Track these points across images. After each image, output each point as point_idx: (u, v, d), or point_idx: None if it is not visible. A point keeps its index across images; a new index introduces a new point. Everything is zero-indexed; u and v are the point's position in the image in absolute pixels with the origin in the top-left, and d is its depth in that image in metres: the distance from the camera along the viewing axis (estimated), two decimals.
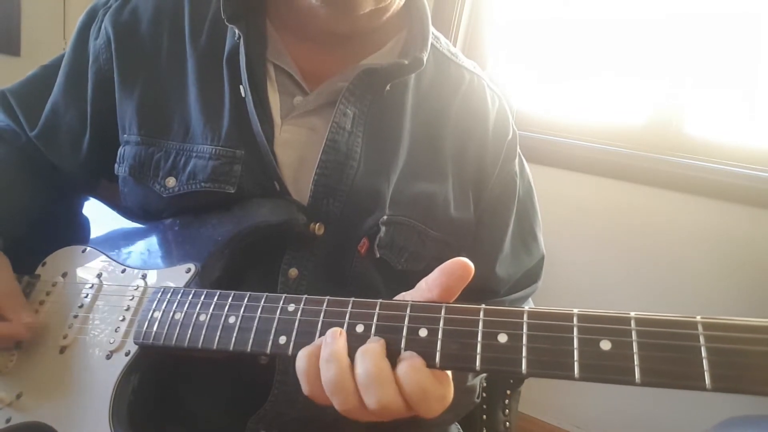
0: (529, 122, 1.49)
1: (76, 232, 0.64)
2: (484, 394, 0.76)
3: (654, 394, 1.39)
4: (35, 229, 0.65)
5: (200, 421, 0.56)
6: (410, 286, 0.59)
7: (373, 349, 0.38)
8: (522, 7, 1.53)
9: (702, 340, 0.32)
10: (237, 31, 0.55)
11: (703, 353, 0.31)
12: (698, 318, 0.32)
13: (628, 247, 1.39)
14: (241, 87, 0.56)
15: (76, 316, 0.55)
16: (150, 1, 0.61)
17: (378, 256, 0.56)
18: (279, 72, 0.58)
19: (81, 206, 0.67)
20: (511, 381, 0.78)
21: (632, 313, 0.34)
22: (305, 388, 0.39)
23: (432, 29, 0.65)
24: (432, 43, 0.64)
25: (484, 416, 0.74)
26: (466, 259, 0.39)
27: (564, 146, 1.44)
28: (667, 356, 0.32)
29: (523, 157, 0.70)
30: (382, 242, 0.56)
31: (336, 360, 0.38)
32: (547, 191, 1.44)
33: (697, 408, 1.32)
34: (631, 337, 0.33)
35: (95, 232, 0.64)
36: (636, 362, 0.32)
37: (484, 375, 0.57)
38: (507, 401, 0.76)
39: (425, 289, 0.40)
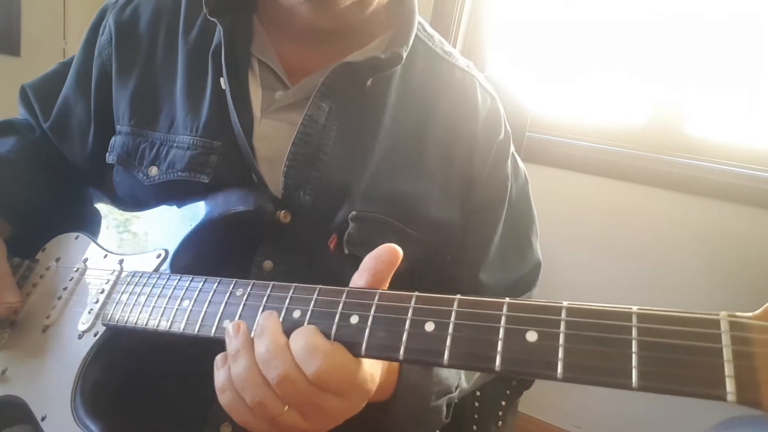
0: (528, 122, 1.46)
1: (79, 221, 0.67)
2: (477, 404, 0.71)
3: (654, 394, 1.35)
4: (44, 217, 0.69)
5: (173, 410, 0.56)
6: (393, 287, 0.56)
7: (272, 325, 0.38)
8: (522, 7, 1.53)
9: (635, 332, 0.28)
10: (218, 24, 0.57)
11: (634, 347, 0.28)
12: (635, 309, 0.29)
13: (627, 246, 1.39)
14: (222, 80, 0.57)
15: (59, 298, 0.57)
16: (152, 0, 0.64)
17: (346, 252, 0.54)
18: (263, 67, 0.59)
19: (88, 197, 0.70)
20: (508, 392, 0.73)
21: (565, 303, 0.31)
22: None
23: (427, 28, 0.65)
24: (424, 41, 0.63)
25: (475, 426, 0.70)
26: (395, 245, 0.37)
27: (564, 146, 1.44)
28: (595, 350, 0.29)
29: (519, 161, 0.66)
30: (351, 238, 0.54)
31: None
32: (547, 191, 1.41)
33: (697, 408, 1.29)
34: (560, 329, 0.30)
35: (94, 220, 0.67)
36: (560, 356, 0.29)
37: (456, 394, 0.54)
38: (501, 413, 0.71)
39: (356, 277, 0.39)
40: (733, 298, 1.27)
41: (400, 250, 0.37)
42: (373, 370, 0.38)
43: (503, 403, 0.72)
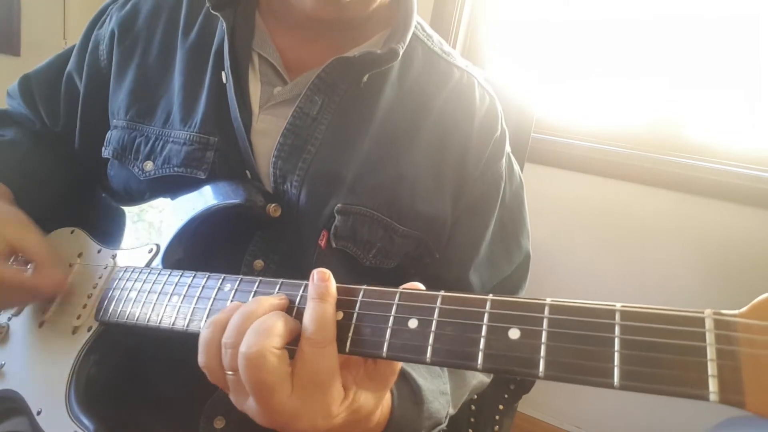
0: (534, 123, 1.46)
1: (76, 215, 0.67)
2: (473, 408, 0.71)
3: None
4: (52, 204, 0.67)
5: (168, 405, 0.56)
6: (382, 283, 0.55)
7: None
8: (522, 8, 1.52)
9: (617, 330, 0.27)
10: (221, 18, 0.56)
11: (616, 346, 0.27)
12: (618, 306, 0.28)
13: (628, 247, 1.40)
14: (223, 73, 0.56)
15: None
16: None
17: (334, 245, 0.54)
18: (263, 62, 0.58)
19: (86, 191, 0.70)
20: (506, 396, 0.72)
21: (548, 300, 0.30)
22: (201, 358, 0.38)
23: (426, 28, 0.64)
24: (423, 41, 0.62)
25: (471, 431, 0.69)
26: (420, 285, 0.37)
27: (565, 146, 1.44)
28: (577, 348, 0.28)
29: (514, 162, 0.65)
30: (339, 232, 0.53)
31: (256, 301, 0.38)
32: (547, 191, 1.44)
33: (697, 408, 1.31)
34: (542, 326, 0.29)
35: (91, 214, 0.67)
36: (542, 353, 0.29)
37: (446, 422, 0.53)
38: (498, 417, 0.70)
39: None
40: (733, 298, 1.26)
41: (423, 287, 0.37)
42: (364, 402, 0.38)
43: (500, 407, 0.71)
